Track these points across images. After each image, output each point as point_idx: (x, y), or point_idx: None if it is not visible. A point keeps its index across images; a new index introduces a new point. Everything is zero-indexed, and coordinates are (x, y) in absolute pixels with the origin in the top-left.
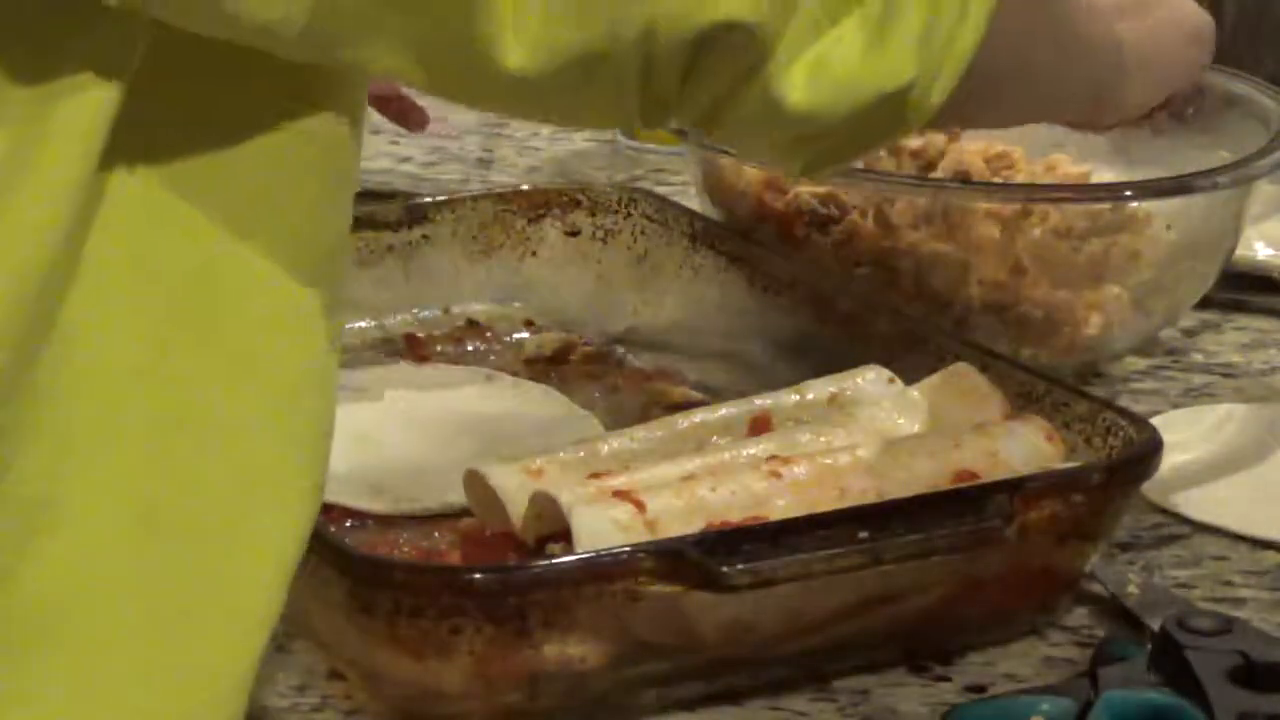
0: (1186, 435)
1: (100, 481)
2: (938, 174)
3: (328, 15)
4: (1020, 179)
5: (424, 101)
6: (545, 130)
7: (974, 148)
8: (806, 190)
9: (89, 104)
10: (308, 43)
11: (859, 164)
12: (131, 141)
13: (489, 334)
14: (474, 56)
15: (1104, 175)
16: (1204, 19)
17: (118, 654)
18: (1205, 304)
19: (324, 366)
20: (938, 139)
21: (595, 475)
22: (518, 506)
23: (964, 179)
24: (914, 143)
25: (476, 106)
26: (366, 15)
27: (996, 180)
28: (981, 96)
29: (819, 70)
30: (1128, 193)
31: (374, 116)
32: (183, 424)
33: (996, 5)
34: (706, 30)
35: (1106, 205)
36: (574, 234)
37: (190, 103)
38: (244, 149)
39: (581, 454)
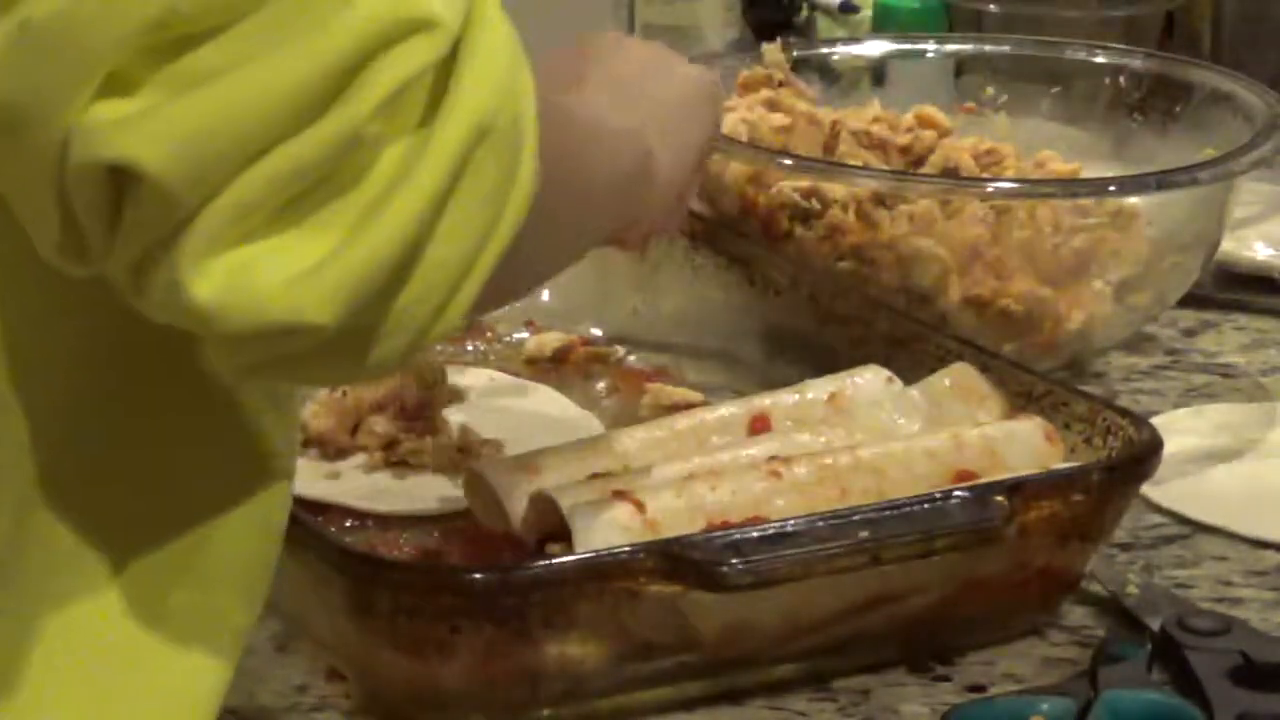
0: (1186, 435)
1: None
2: (927, 169)
3: None
4: (1010, 174)
5: None
6: None
7: (964, 144)
8: (789, 184)
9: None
10: None
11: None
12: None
13: (489, 334)
14: None
15: (1094, 172)
16: (706, 76)
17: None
18: (1205, 304)
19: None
20: (927, 134)
21: (595, 475)
22: (518, 506)
23: (951, 175)
24: (903, 139)
25: None
26: None
27: (984, 175)
28: (502, 287)
29: (242, 273)
30: (1111, 188)
31: None
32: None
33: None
34: (113, 166)
35: (1089, 201)
36: None
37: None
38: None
39: (581, 454)
